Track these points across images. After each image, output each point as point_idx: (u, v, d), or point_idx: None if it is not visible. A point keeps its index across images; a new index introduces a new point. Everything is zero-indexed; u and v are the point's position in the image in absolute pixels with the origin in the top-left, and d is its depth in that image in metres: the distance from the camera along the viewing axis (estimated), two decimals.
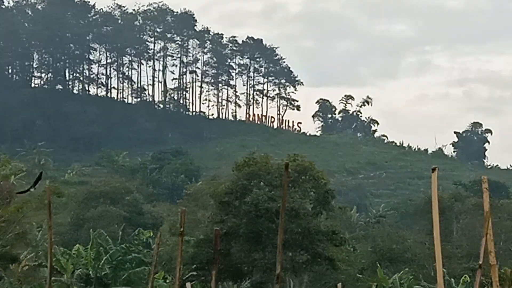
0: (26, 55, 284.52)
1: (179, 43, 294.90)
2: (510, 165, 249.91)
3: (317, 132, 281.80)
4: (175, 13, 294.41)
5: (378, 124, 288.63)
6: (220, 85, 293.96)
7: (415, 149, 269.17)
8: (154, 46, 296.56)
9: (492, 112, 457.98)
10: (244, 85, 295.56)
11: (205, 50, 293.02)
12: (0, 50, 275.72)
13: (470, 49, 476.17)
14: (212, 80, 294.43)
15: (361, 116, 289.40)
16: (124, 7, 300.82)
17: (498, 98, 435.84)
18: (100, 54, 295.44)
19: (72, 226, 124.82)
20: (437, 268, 9.14)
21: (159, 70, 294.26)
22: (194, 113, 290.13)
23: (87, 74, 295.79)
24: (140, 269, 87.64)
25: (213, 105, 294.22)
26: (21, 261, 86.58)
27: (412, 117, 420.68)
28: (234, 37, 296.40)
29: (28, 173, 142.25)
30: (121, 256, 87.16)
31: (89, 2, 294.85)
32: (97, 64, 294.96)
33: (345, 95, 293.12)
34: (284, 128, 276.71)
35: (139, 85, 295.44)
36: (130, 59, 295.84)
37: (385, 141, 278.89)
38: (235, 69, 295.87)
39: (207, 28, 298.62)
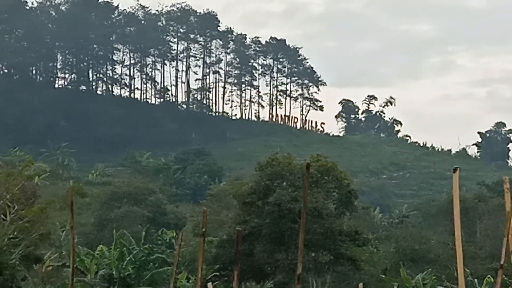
0: (49, 56, 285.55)
1: (202, 43, 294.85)
2: None
3: (340, 132, 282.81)
4: (198, 14, 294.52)
5: (401, 124, 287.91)
6: (243, 85, 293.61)
7: (438, 149, 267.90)
8: (177, 46, 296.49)
9: None
10: (267, 86, 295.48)
11: (228, 51, 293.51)
12: (24, 51, 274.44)
13: (493, 49, 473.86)
14: (235, 81, 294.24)
15: (384, 117, 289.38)
16: (147, 7, 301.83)
17: None
18: (123, 55, 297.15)
19: (95, 227, 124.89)
20: (458, 268, 8.98)
21: (182, 70, 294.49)
22: (217, 113, 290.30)
23: (111, 75, 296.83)
24: (163, 269, 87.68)
25: (236, 106, 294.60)
26: (45, 261, 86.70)
27: (435, 117, 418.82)
28: (257, 37, 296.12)
29: (52, 174, 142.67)
30: (144, 257, 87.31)
31: (112, 2, 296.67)
32: (120, 65, 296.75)
33: (368, 96, 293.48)
34: (307, 128, 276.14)
35: (162, 86, 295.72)
36: (154, 59, 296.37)
37: (408, 142, 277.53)
38: (258, 70, 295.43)
39: (230, 28, 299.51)
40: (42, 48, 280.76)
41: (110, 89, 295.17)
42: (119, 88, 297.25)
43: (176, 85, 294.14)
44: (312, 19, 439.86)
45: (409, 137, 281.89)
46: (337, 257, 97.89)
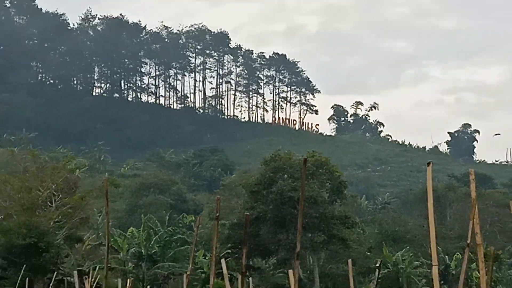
0: (88, 69, 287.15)
1: (216, 58, 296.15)
2: (495, 160, 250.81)
3: (332, 132, 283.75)
4: (212, 33, 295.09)
5: (383, 125, 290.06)
6: (250, 93, 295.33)
7: (414, 147, 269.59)
8: (195, 60, 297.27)
9: (479, 115, 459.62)
10: (270, 93, 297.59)
11: (238, 64, 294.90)
12: (66, 65, 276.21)
13: (460, 63, 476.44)
14: (244, 89, 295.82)
15: (369, 119, 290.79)
16: (170, 28, 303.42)
17: (484, 103, 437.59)
18: (150, 68, 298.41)
19: (126, 212, 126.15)
20: (432, 247, 9.00)
21: (199, 80, 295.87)
22: (228, 117, 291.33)
23: (139, 84, 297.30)
24: (184, 248, 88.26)
25: (244, 110, 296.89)
26: (84, 241, 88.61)
27: (412, 119, 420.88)
28: (262, 53, 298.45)
29: (90, 168, 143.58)
30: (168, 237, 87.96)
31: (140, 24, 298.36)
32: (147, 76, 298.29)
33: (355, 102, 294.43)
34: (304, 129, 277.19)
35: (182, 94, 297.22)
36: (175, 71, 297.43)
37: (389, 140, 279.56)
38: (263, 80, 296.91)
39: (240, 45, 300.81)
40: (82, 62, 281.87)
41: (139, 96, 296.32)
42: (146, 95, 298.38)
43: (194, 93, 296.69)
44: (308, 37, 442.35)
45: (390, 136, 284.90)
46: (330, 237, 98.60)
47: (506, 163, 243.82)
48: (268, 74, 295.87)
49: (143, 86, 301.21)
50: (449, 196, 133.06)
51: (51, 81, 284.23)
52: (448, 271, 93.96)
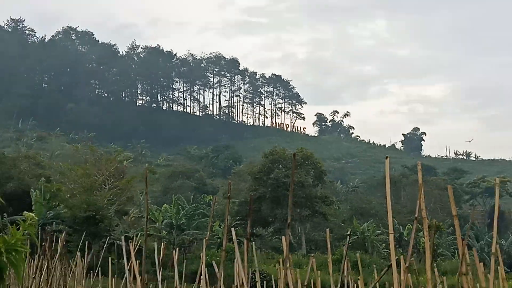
0: (133, 85, 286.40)
1: (229, 77, 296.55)
2: (438, 155, 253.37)
3: (315, 134, 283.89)
4: (226, 59, 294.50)
5: (354, 129, 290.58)
6: (254, 104, 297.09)
7: (377, 144, 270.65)
8: (213, 79, 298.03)
9: (426, 121, 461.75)
10: (269, 104, 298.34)
11: (245, 82, 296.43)
12: (117, 82, 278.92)
13: (412, 81, 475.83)
14: (249, 101, 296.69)
15: (343, 124, 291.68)
16: (194, 55, 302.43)
17: (429, 112, 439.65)
18: (179, 85, 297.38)
19: (161, 193, 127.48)
20: (389, 219, 9.31)
21: (216, 95, 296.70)
22: (238, 121, 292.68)
23: (171, 97, 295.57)
24: (204, 220, 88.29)
25: (250, 117, 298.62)
26: (130, 214, 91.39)
27: (375, 124, 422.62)
28: (264, 74, 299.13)
29: (134, 160, 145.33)
30: (192, 212, 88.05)
31: (172, 51, 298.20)
32: (177, 91, 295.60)
33: (333, 111, 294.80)
34: (294, 131, 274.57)
35: (203, 104, 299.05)
36: (198, 87, 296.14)
37: (358, 140, 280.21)
38: (264, 94, 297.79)
39: (247, 68, 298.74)
40: (128, 80, 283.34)
41: (171, 106, 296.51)
42: (176, 105, 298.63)
43: (212, 104, 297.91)
44: (298, 62, 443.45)
45: (359, 137, 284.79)
46: (313, 212, 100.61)
47: (445, 157, 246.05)
48: (268, 90, 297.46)
49: (174, 98, 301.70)
50: (403, 182, 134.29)
51: (106, 95, 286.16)
52: (402, 238, 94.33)
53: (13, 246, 3.30)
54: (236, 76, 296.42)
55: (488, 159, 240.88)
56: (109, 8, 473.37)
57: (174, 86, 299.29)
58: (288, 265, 11.17)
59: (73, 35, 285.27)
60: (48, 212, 72.98)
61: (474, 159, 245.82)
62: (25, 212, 4.31)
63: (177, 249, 14.23)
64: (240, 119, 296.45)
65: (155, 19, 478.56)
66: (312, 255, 20.88)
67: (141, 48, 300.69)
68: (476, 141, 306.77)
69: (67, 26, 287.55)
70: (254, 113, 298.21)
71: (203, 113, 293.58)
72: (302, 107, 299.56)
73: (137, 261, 12.84)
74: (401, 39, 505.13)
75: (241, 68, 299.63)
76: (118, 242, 62.78)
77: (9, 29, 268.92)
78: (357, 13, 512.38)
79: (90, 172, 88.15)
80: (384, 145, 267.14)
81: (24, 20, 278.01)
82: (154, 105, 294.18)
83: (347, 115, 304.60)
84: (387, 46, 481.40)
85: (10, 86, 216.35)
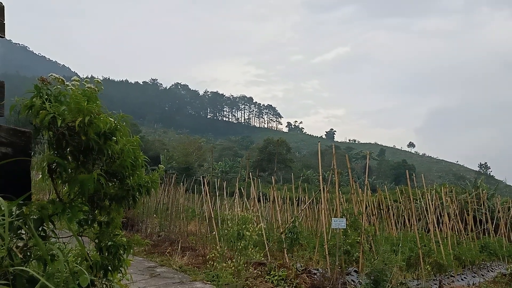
0: (204, 108, 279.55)
1: (247, 105, 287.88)
2: (341, 141, 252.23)
3: (287, 131, 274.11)
4: (246, 97, 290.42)
5: (304, 128, 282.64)
6: (260, 117, 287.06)
7: (314, 135, 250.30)
8: (241, 106, 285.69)
9: (335, 125, 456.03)
10: (267, 118, 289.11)
11: (255, 108, 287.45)
12: (194, 109, 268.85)
13: (329, 108, 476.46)
14: (258, 116, 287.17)
15: (299, 126, 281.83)
16: (233, 95, 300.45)
17: (336, 121, 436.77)
18: (227, 109, 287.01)
19: (218, 157, 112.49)
20: (319, 170, 10.81)
21: (242, 114, 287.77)
22: (254, 125, 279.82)
23: (223, 114, 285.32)
24: (238, 168, 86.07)
25: (257, 123, 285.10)
26: (204, 166, 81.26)
27: (312, 126, 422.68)
28: (264, 104, 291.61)
29: (206, 142, 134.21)
30: (232, 164, 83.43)
31: (224, 94, 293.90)
32: (226, 111, 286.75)
33: (294, 121, 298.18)
34: (278, 130, 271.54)
35: (236, 118, 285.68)
36: (226, 111, 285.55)
37: (306, 133, 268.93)
38: (264, 113, 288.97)
39: (256, 101, 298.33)
40: (202, 108, 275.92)
41: (223, 118, 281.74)
42: (226, 118, 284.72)
43: (239, 118, 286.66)
44: (278, 98, 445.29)
45: (306, 132, 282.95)
46: (285, 166, 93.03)
47: (344, 142, 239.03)
48: (266, 111, 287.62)
49: (224, 114, 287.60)
50: (325, 153, 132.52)
51: (193, 113, 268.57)
52: (325, 178, 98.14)
53: (155, 179, 3.57)
54: (251, 105, 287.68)
55: (364, 143, 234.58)
56: (192, 70, 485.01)
57: (224, 109, 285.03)
58: (273, 189, 13.08)
59: (179, 86, 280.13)
60: (168, 165, 66.53)
61: (356, 143, 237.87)
62: (160, 165, 4.01)
63: (225, 182, 17.97)
64: (253, 124, 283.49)
65: (214, 78, 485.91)
66: (286, 185, 20.81)
67: (210, 92, 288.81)
68: (362, 133, 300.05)
69: (176, 82, 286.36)
70: (261, 122, 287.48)
71: (236, 121, 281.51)
72: (281, 118, 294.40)
73: (207, 187, 13.70)
74: (330, 92, 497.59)
75: (254, 101, 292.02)
76: (198, 178, 68.89)
77: (150, 83, 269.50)
78: (300, 77, 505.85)
79: (187, 149, 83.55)
80: (317, 136, 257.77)
81: (157, 79, 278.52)
82: (220, 118, 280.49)
83: (301, 122, 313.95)
84: (319, 94, 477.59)
85: (150, 109, 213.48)
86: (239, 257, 6.39)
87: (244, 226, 6.38)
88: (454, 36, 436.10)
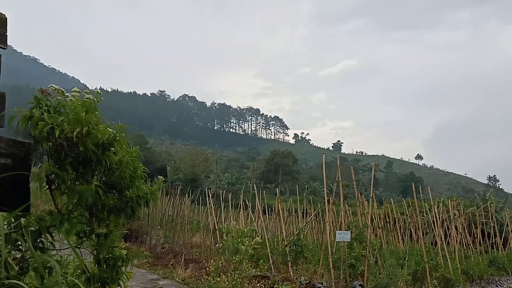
0: (212, 120, 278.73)
1: (255, 117, 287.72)
2: (348, 153, 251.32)
3: (293, 142, 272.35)
4: (253, 109, 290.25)
5: (310, 140, 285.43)
6: (267, 129, 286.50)
7: (321, 147, 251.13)
8: (248, 118, 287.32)
9: (342, 137, 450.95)
10: (274, 130, 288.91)
11: (262, 120, 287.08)
12: (200, 120, 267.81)
13: (336, 121, 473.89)
14: (265, 127, 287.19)
15: (305, 138, 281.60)
16: (241, 107, 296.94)
17: (343, 133, 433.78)
18: (234, 121, 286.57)
19: (224, 168, 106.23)
20: (324, 182, 10.58)
21: (250, 125, 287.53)
22: (261, 137, 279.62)
23: (231, 125, 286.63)
24: (244, 180, 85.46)
25: (264, 135, 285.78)
26: (210, 177, 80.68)
27: (320, 138, 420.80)
28: (271, 115, 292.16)
29: (212, 153, 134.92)
30: (238, 176, 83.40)
31: (231, 105, 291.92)
32: (233, 123, 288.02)
33: (301, 132, 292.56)
34: (285, 141, 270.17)
35: (243, 129, 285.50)
36: (233, 123, 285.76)
37: (312, 145, 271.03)
38: (271, 124, 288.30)
39: (263, 113, 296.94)
40: (209, 119, 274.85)
41: (230, 129, 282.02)
42: (233, 129, 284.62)
43: (247, 129, 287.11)
44: (285, 111, 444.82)
45: (313, 143, 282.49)
46: (291, 177, 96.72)
47: (351, 154, 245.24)
48: (273, 123, 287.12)
49: (232, 126, 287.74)
50: (332, 164, 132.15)
51: (200, 124, 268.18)
52: (332, 190, 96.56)
53: (154, 191, 3.32)
54: (258, 117, 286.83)
55: (371, 155, 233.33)
56: (200, 82, 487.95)
57: (231, 121, 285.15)
58: (278, 201, 12.80)
59: (187, 98, 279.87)
60: (174, 176, 66.26)
61: (364, 154, 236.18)
62: (159, 176, 4.04)
63: (231, 193, 18.39)
64: (261, 136, 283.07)
65: (223, 90, 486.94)
66: (292, 197, 20.25)
67: (217, 104, 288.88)
68: (370, 146, 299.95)
69: (184, 94, 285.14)
70: (267, 134, 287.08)
71: (243, 133, 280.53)
72: (288, 129, 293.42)
73: (212, 198, 13.71)
74: (337, 104, 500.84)
75: (261, 112, 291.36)
76: (204, 190, 68.53)
77: (158, 95, 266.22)
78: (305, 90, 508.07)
79: (194, 160, 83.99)
80: (324, 147, 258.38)
81: (165, 91, 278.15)
82: (227, 129, 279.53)
83: (308, 134, 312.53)
84: (327, 107, 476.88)
85: (157, 120, 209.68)
86: (234, 272, 6.31)
87: (239, 239, 6.31)
88: (463, 49, 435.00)
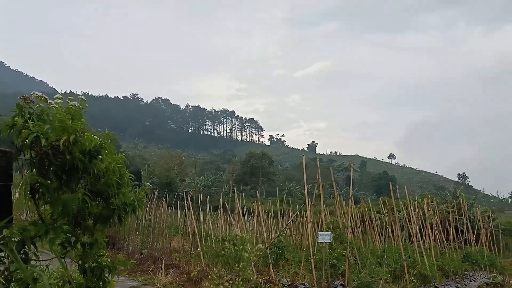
0: (186, 122, 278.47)
1: (229, 119, 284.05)
2: (323, 153, 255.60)
3: (269, 144, 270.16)
4: (228, 111, 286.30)
5: (285, 141, 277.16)
6: (242, 131, 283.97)
7: (296, 148, 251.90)
8: (223, 120, 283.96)
9: (317, 137, 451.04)
10: (249, 132, 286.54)
11: (237, 121, 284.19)
12: (174, 123, 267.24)
13: (311, 121, 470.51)
14: (240, 130, 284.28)
15: (280, 139, 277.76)
16: (215, 109, 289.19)
17: (318, 134, 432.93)
18: (208, 123, 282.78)
19: (200, 172, 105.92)
20: (305, 184, 10.53)
21: (224, 127, 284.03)
22: (234, 139, 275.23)
23: (205, 128, 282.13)
24: (220, 183, 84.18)
25: (241, 137, 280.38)
26: (185, 180, 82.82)
27: (292, 139, 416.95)
28: (246, 117, 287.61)
29: (188, 156, 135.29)
30: (214, 179, 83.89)
31: (206, 108, 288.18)
32: (207, 125, 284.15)
33: (276, 134, 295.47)
34: (260, 143, 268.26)
35: (218, 131, 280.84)
36: (208, 126, 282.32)
37: (287, 146, 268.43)
38: (246, 126, 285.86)
39: (238, 115, 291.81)
40: (183, 122, 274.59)
41: (205, 132, 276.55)
42: (208, 132, 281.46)
43: (222, 131, 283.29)
44: (260, 112, 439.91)
45: (288, 144, 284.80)
46: (267, 179, 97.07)
47: (327, 154, 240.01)
48: (248, 125, 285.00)
49: (206, 128, 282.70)
50: (308, 165, 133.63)
51: (174, 127, 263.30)
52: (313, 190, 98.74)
53: (141, 198, 3.33)
54: (233, 119, 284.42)
55: (345, 155, 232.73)
56: (173, 85, 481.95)
57: (206, 123, 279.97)
58: (258, 203, 12.73)
59: (160, 101, 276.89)
60: (148, 180, 62.02)
61: (338, 155, 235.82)
62: (146, 183, 3.90)
63: (208, 196, 17.75)
64: (239, 138, 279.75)
65: (196, 93, 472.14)
66: (269, 199, 19.00)
67: (191, 106, 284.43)
68: (344, 146, 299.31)
69: (157, 97, 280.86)
70: (242, 136, 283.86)
71: (218, 135, 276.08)
72: (263, 131, 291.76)
73: (189, 202, 13.44)
74: (312, 106, 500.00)
75: (236, 114, 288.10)
76: (180, 194, 65.92)
77: (131, 98, 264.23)
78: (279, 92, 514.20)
79: (168, 163, 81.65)
80: (299, 148, 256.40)
81: (137, 94, 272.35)
82: (202, 132, 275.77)
83: (283, 135, 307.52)
84: (302, 108, 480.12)
85: (130, 124, 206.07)
86: (237, 279, 6.26)
87: (242, 247, 6.27)
88: (433, 51, 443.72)
